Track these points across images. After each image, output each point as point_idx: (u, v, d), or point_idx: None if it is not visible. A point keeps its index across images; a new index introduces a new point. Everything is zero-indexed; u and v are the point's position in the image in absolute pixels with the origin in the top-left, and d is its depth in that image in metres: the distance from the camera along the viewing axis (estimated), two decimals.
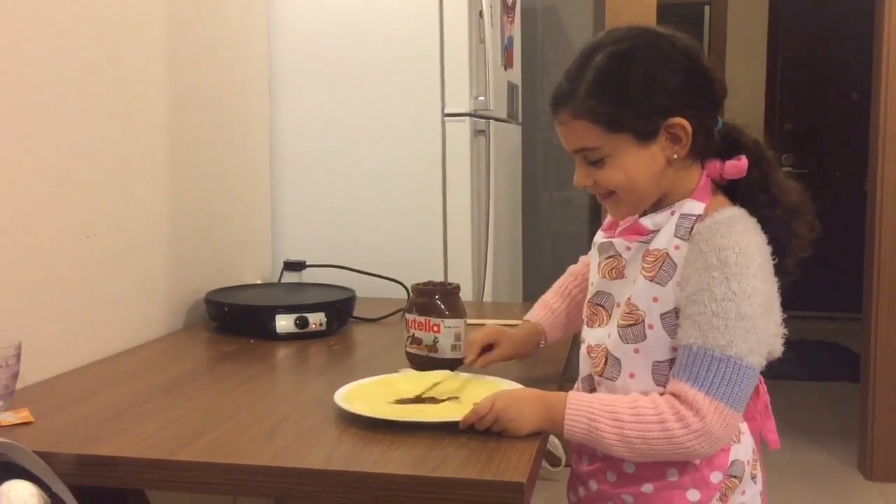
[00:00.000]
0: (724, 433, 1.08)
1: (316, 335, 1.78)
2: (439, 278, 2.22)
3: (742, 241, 1.09)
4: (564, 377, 1.45)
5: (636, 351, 1.15)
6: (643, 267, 1.15)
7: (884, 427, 3.09)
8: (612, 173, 1.14)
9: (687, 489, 1.14)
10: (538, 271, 3.31)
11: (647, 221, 1.16)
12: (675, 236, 1.13)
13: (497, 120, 2.54)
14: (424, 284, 1.52)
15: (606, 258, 1.22)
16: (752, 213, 1.14)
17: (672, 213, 1.15)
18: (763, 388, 1.24)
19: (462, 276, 2.29)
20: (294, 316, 1.77)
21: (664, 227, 1.15)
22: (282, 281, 2.27)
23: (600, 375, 1.20)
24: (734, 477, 1.16)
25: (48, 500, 0.97)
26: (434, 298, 1.48)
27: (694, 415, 1.06)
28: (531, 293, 3.12)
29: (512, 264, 2.94)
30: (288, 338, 1.76)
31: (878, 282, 3.07)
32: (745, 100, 5.64)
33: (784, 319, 1.16)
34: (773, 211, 1.14)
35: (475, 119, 2.35)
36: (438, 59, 2.30)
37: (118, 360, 1.60)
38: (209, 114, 2.04)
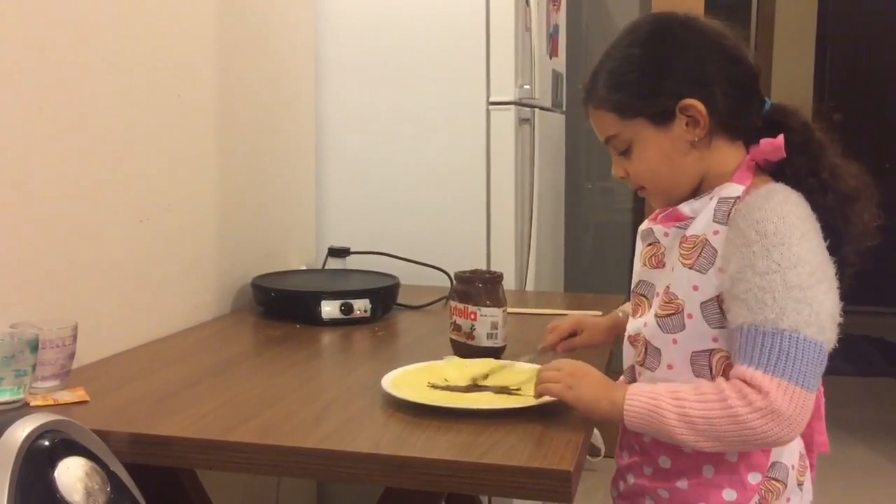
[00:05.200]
0: (795, 412, 0.99)
1: (360, 321, 1.79)
2: (482, 267, 2.23)
3: (781, 210, 1.03)
4: (608, 371, 1.44)
5: (674, 341, 1.11)
6: (681, 254, 1.11)
7: None
8: (637, 163, 1.14)
9: (723, 488, 1.10)
10: (580, 261, 3.29)
11: (686, 208, 1.13)
12: (714, 221, 1.08)
13: (542, 109, 2.53)
14: (468, 272, 1.53)
15: (647, 245, 1.19)
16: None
17: (711, 198, 1.10)
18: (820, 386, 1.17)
19: (505, 264, 2.29)
20: (339, 302, 1.79)
21: (702, 212, 1.10)
22: (326, 267, 2.30)
23: (641, 365, 1.18)
24: (775, 480, 1.11)
25: (104, 477, 0.99)
26: (474, 286, 1.49)
27: (757, 392, 0.99)
28: (573, 283, 3.12)
29: (554, 254, 2.94)
30: (333, 323, 1.77)
31: None
32: (793, 89, 5.54)
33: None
34: (823, 197, 1.07)
35: (520, 108, 2.34)
36: (484, 48, 2.29)
37: (169, 342, 1.64)
38: (257, 102, 2.07)
